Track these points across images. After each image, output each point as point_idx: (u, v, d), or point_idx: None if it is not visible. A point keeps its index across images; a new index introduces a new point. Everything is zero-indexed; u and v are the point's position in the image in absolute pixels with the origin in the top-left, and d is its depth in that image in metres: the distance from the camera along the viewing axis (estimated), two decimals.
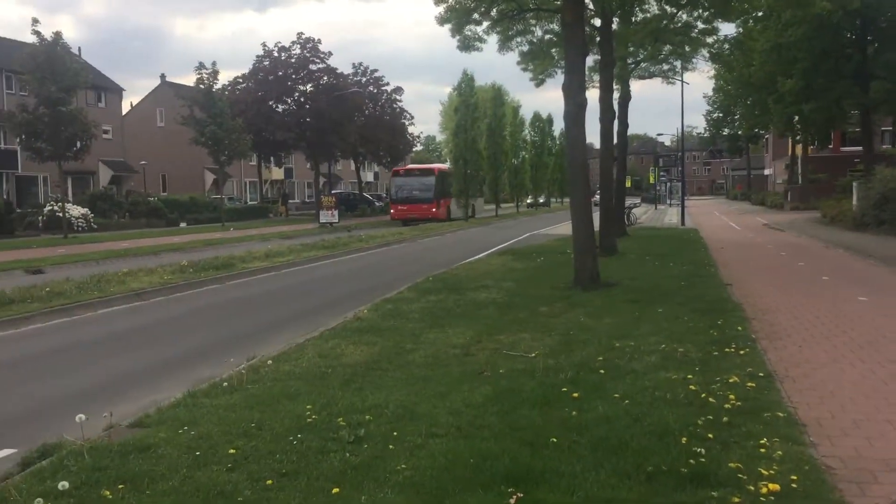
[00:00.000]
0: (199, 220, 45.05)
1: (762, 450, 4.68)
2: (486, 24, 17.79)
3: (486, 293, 12.24)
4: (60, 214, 34.05)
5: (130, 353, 9.42)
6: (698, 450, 4.63)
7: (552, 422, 5.33)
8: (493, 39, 19.00)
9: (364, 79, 58.34)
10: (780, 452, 4.62)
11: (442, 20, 16.80)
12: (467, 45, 17.85)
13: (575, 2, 13.12)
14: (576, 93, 12.96)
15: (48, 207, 37.43)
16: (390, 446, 4.94)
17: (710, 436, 4.91)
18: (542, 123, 65.55)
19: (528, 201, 70.54)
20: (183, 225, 42.96)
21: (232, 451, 4.91)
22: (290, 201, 70.28)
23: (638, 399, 5.79)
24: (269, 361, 7.47)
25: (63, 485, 4.12)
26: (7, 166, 44.13)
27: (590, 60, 23.06)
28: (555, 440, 4.90)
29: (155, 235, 32.78)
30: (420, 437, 5.12)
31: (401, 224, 40.44)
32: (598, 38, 19.98)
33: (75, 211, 36.97)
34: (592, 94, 23.22)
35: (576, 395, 5.92)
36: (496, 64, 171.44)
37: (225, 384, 6.66)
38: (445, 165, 53.09)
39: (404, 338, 8.71)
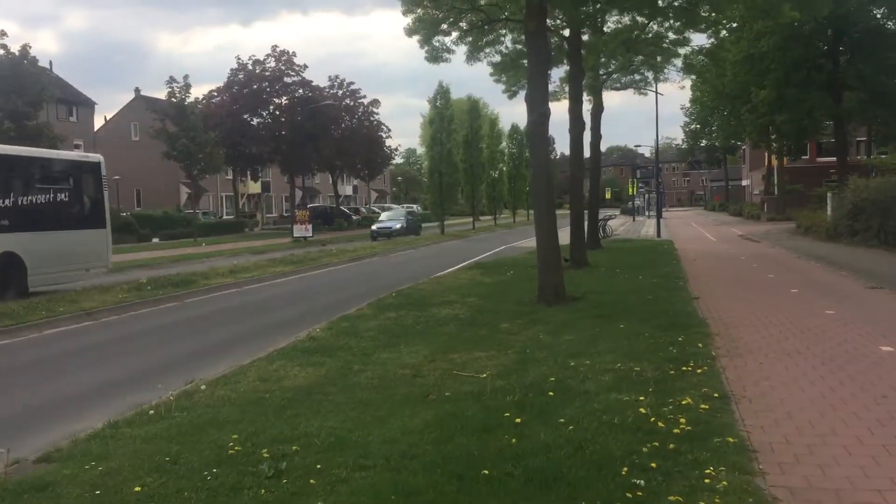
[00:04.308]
0: (174, 235, 44.34)
1: (706, 480, 4.37)
2: (454, 34, 17.54)
3: (449, 309, 11.91)
4: None
5: (67, 377, 8.97)
6: (638, 482, 4.32)
7: (489, 451, 4.99)
8: (462, 50, 18.73)
9: (340, 91, 57.87)
10: (724, 483, 4.31)
11: (410, 31, 16.51)
12: (435, 56, 17.53)
13: (538, 11, 12.92)
14: (539, 103, 12.71)
15: None
16: (311, 481, 4.59)
17: (654, 465, 4.60)
18: (519, 135, 65.13)
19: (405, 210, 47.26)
20: (155, 241, 42.26)
21: (137, 488, 4.53)
22: (268, 215, 69.85)
23: (584, 424, 5.47)
24: (203, 386, 7.07)
25: None
26: None
27: (561, 71, 23.01)
28: (486, 472, 4.56)
29: (124, 252, 32.04)
30: (346, 469, 4.77)
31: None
32: (567, 48, 19.84)
33: None
34: (565, 106, 23.07)
35: (518, 420, 5.59)
36: (475, 76, 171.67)
37: (151, 412, 6.27)
38: None
39: (355, 358, 8.36)
